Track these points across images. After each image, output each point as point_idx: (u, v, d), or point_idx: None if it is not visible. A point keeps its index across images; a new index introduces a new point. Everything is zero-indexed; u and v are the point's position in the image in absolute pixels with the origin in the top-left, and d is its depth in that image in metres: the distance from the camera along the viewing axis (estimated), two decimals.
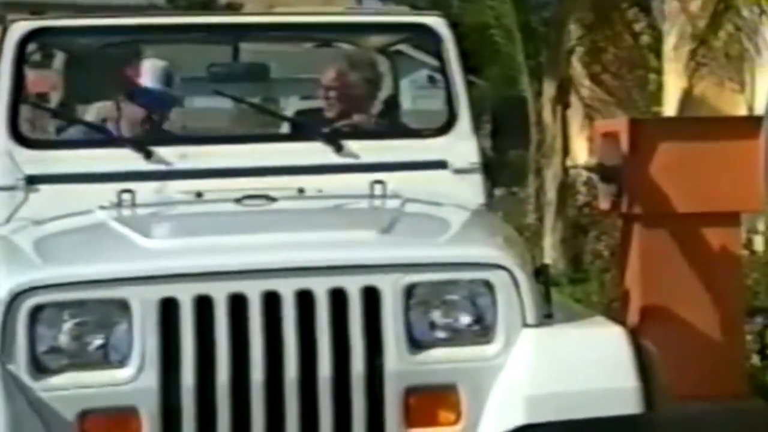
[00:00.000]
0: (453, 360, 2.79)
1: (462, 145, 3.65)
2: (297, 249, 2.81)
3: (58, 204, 3.34)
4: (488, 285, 2.81)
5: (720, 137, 4.58)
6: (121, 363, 2.69)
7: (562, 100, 8.83)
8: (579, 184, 9.05)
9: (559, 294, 3.07)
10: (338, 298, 2.73)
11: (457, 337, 2.82)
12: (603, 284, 6.86)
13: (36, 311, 2.67)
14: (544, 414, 2.75)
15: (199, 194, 3.40)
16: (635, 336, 2.94)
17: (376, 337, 2.73)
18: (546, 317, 2.89)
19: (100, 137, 3.76)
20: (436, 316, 2.82)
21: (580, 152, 9.96)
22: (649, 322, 4.39)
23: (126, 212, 3.26)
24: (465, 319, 2.83)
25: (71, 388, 2.67)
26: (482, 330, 2.82)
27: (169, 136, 4.09)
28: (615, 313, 4.89)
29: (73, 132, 3.91)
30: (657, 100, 8.93)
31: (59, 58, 4.38)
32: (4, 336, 2.65)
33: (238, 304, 2.69)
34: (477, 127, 3.72)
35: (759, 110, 7.57)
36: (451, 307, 2.82)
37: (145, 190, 3.38)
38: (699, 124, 5.00)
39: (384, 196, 3.41)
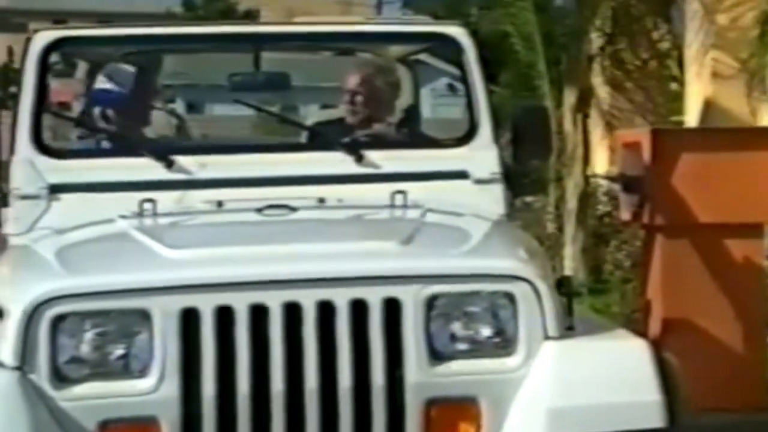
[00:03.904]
0: (474, 372, 2.78)
1: (483, 155, 3.64)
2: (318, 260, 2.81)
3: (80, 213, 3.35)
4: (510, 297, 2.80)
5: (743, 148, 4.56)
6: (142, 373, 2.69)
7: (582, 108, 8.82)
8: (600, 193, 9.01)
9: (579, 304, 3.05)
10: (359, 309, 2.72)
11: (478, 349, 2.81)
12: (624, 295, 6.82)
13: (57, 321, 2.68)
14: (566, 427, 2.74)
15: (219, 204, 3.40)
16: (657, 348, 2.92)
17: (397, 349, 2.73)
18: (568, 329, 2.88)
19: (122, 146, 3.76)
20: (457, 327, 2.81)
21: (601, 161, 9.91)
22: (671, 333, 4.37)
23: (147, 222, 3.27)
24: (486, 331, 2.82)
25: (92, 398, 2.68)
26: (503, 342, 2.82)
27: (189, 145, 4.09)
28: (636, 323, 4.87)
29: (95, 141, 3.92)
30: (678, 109, 8.89)
31: (82, 68, 4.39)
32: (25, 346, 2.66)
33: (259, 314, 2.69)
34: (497, 136, 3.70)
35: None
36: (472, 319, 2.82)
37: (166, 199, 3.38)
38: (722, 135, 4.97)
39: (405, 206, 3.40)
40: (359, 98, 3.95)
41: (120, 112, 3.90)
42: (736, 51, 7.52)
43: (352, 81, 3.98)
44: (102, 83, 3.91)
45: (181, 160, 3.54)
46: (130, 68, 4.04)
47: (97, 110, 3.90)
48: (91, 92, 3.93)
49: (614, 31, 9.20)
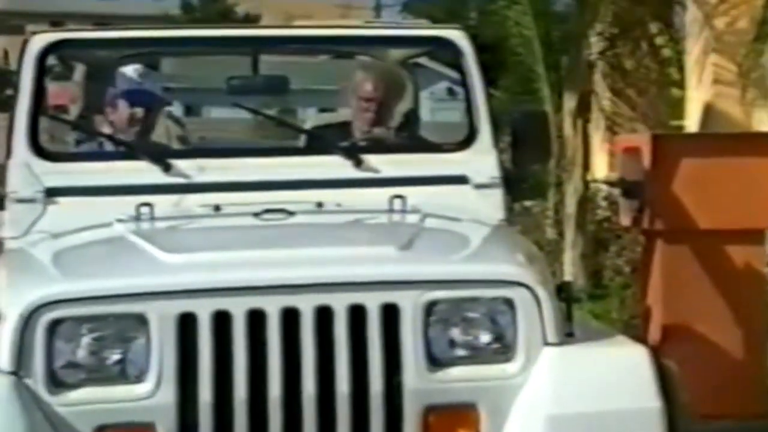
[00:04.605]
0: (473, 378, 2.76)
1: (482, 160, 3.63)
2: (316, 265, 2.79)
3: (77, 217, 3.33)
4: (509, 303, 2.79)
5: (744, 153, 4.55)
6: (139, 378, 2.68)
7: (582, 113, 8.80)
8: (599, 198, 8.99)
9: (578, 310, 3.04)
10: (357, 314, 2.71)
11: (477, 355, 2.80)
12: (623, 301, 6.80)
13: (54, 325, 2.66)
14: None
15: (217, 208, 3.39)
16: (657, 355, 2.91)
17: (395, 355, 2.71)
18: (567, 336, 2.86)
19: (120, 150, 3.75)
20: (456, 333, 2.80)
21: (601, 166, 9.90)
22: (671, 339, 4.35)
23: (144, 226, 3.25)
24: (485, 337, 2.80)
25: (88, 404, 2.66)
26: (503, 348, 2.80)
27: (187, 149, 4.07)
28: (635, 329, 4.86)
29: (92, 144, 3.90)
30: (678, 114, 8.88)
31: (79, 71, 4.38)
32: (21, 350, 2.64)
33: (256, 319, 2.68)
34: (497, 141, 3.68)
35: None
36: (471, 325, 2.80)
37: (163, 203, 3.36)
38: (722, 140, 4.95)
39: (404, 211, 3.38)
40: (372, 105, 3.89)
41: (148, 113, 3.88)
42: (735, 56, 7.52)
43: (377, 89, 3.91)
44: (133, 83, 3.86)
45: (178, 163, 3.53)
46: (154, 71, 4.02)
47: (135, 111, 3.84)
48: (123, 91, 3.88)
49: (615, 35, 9.19)
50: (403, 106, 4.19)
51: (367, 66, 4.19)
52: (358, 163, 3.58)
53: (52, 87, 3.87)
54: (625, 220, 4.76)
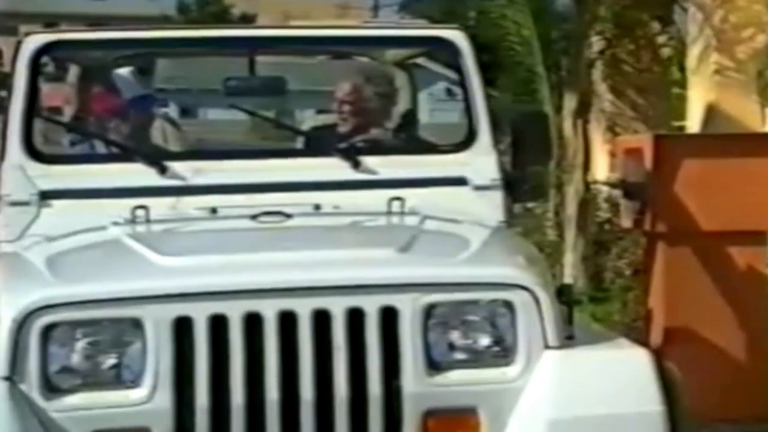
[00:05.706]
0: (472, 382, 2.74)
1: (482, 161, 3.60)
2: (314, 268, 2.77)
3: (71, 220, 3.31)
4: (509, 305, 2.77)
5: (745, 154, 4.54)
6: (135, 383, 2.66)
7: (583, 114, 8.76)
8: (600, 200, 8.95)
9: (579, 313, 3.02)
10: (356, 317, 2.68)
11: (476, 358, 2.78)
12: (625, 303, 6.76)
13: (48, 330, 2.64)
14: None
15: (213, 210, 3.36)
16: (658, 358, 2.89)
17: (394, 358, 2.69)
18: (568, 339, 2.84)
19: (115, 152, 3.72)
20: (456, 336, 2.77)
21: (602, 167, 9.86)
22: (673, 342, 4.34)
23: (140, 229, 3.23)
24: (485, 340, 2.79)
25: (84, 409, 2.64)
26: (502, 351, 2.78)
27: (183, 151, 4.04)
28: (637, 332, 4.83)
29: (87, 146, 3.88)
30: (680, 115, 8.85)
31: (73, 72, 4.35)
32: (15, 355, 2.62)
33: (253, 323, 2.65)
34: (496, 142, 3.66)
35: None
36: (471, 328, 2.78)
37: (159, 205, 3.34)
38: (724, 141, 4.93)
39: (402, 213, 3.36)
40: (347, 107, 3.95)
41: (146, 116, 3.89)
42: (736, 55, 7.50)
43: (341, 90, 3.98)
44: (136, 89, 3.87)
45: (174, 165, 3.50)
46: (128, 69, 4.02)
47: (145, 118, 3.86)
48: (131, 100, 3.90)
49: (615, 35, 9.15)
50: (399, 107, 4.17)
51: (346, 71, 4.19)
52: (356, 165, 3.56)
53: (46, 88, 3.85)
54: (626, 221, 4.74)
